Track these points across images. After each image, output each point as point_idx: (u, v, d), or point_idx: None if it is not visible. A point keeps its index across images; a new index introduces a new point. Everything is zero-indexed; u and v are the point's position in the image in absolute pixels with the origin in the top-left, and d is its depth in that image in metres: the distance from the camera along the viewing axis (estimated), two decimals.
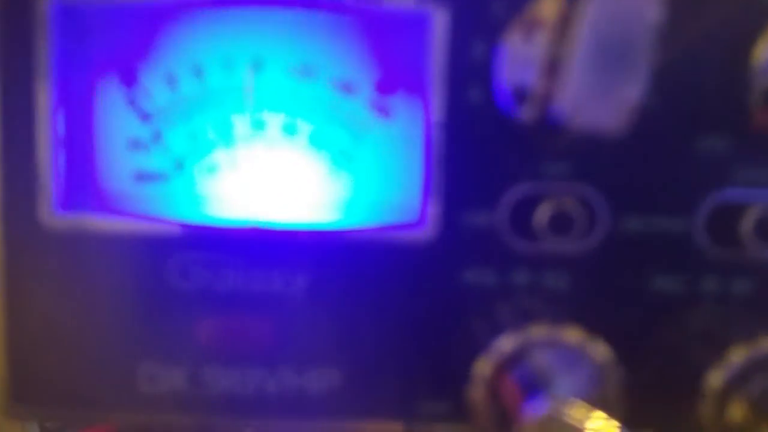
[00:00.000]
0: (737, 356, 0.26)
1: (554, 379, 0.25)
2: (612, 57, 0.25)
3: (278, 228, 0.31)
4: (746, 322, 0.28)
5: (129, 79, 0.32)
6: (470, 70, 0.29)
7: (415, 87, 0.31)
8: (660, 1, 0.24)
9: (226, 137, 0.32)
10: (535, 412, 0.24)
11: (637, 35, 0.24)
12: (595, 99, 0.25)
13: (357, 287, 0.31)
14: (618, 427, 0.24)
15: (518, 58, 0.28)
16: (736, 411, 0.26)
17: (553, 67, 0.26)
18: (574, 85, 0.25)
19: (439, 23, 0.29)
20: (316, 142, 0.32)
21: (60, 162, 0.30)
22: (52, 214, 0.30)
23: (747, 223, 0.29)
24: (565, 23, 0.26)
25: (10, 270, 0.30)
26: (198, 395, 0.31)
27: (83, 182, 0.32)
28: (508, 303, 0.30)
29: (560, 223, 0.29)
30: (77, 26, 0.31)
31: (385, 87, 0.32)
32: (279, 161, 0.33)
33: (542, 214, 0.29)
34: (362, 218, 0.32)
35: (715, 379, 0.26)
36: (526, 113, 0.28)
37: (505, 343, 0.27)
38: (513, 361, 0.26)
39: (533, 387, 0.25)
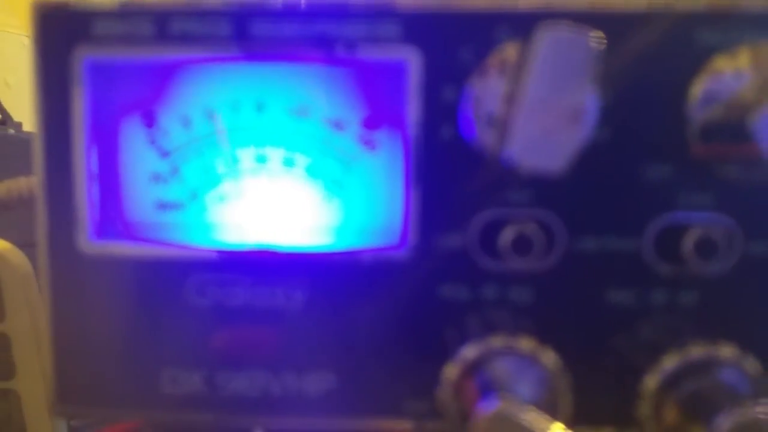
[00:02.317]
0: (670, 362, 0.31)
1: (508, 383, 0.30)
2: (553, 104, 0.30)
3: (279, 250, 0.36)
4: (684, 331, 0.32)
5: (149, 121, 0.38)
6: (442, 110, 0.35)
7: (396, 124, 0.37)
8: (591, 80, 0.29)
9: (234, 170, 0.38)
10: (486, 410, 0.29)
11: (570, 110, 0.29)
12: (538, 144, 0.30)
13: (347, 301, 0.36)
14: None
15: (482, 100, 0.33)
16: (669, 412, 0.31)
17: (508, 112, 0.31)
18: (521, 133, 0.30)
19: (415, 69, 0.35)
20: (312, 172, 0.38)
21: (94, 195, 0.37)
22: (88, 242, 0.36)
23: (688, 243, 0.33)
24: (518, 72, 0.31)
25: (54, 291, 0.37)
26: (212, 396, 0.37)
27: (113, 213, 0.38)
28: (477, 315, 0.35)
29: (522, 244, 0.34)
30: (105, 77, 0.37)
31: (371, 123, 0.37)
32: (280, 190, 0.38)
33: (506, 236, 0.34)
34: (351, 241, 0.37)
35: (652, 382, 0.31)
36: (489, 149, 0.33)
37: (470, 351, 0.32)
38: (475, 367, 0.32)
39: (489, 389, 0.30)
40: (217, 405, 0.37)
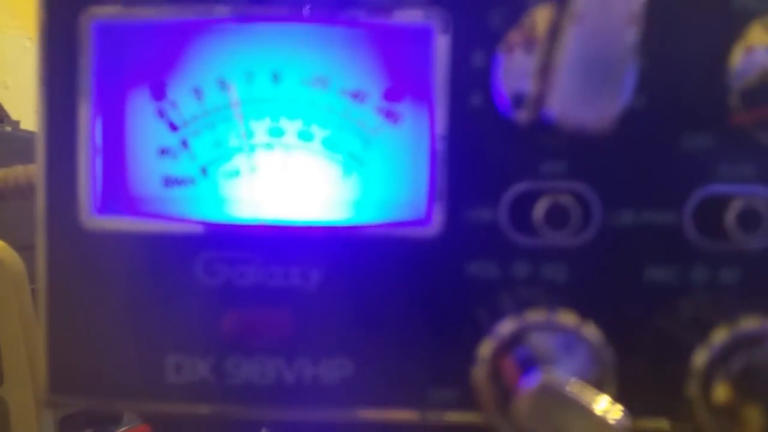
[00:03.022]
0: (719, 337, 0.29)
1: (551, 359, 0.29)
2: (594, 71, 0.28)
3: (294, 226, 0.35)
4: (731, 307, 0.31)
5: (159, 93, 0.36)
6: (471, 78, 0.33)
7: (421, 94, 0.35)
8: (638, 22, 0.28)
9: (248, 144, 0.36)
10: (530, 384, 0.27)
11: (617, 54, 0.28)
12: (580, 105, 0.29)
13: (368, 281, 0.34)
14: (622, 410, 0.27)
15: (514, 66, 0.32)
16: (721, 390, 0.29)
17: (544, 73, 0.30)
18: (562, 91, 0.29)
19: (441, 34, 0.33)
20: (330, 146, 0.36)
21: (97, 169, 0.35)
22: (90, 217, 0.34)
23: (731, 216, 0.32)
24: (554, 33, 0.30)
25: (52, 268, 0.34)
26: (221, 385, 0.35)
27: (117, 187, 0.36)
28: (509, 293, 0.33)
29: (557, 219, 0.33)
30: (114, 42, 0.35)
31: (393, 95, 0.36)
32: (296, 165, 0.36)
33: (540, 208, 0.33)
34: (372, 217, 0.36)
35: (700, 359, 0.29)
36: (522, 116, 0.32)
37: (505, 327, 0.30)
38: (512, 343, 0.30)
39: (530, 364, 0.28)
40: (226, 395, 0.35)
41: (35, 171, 0.38)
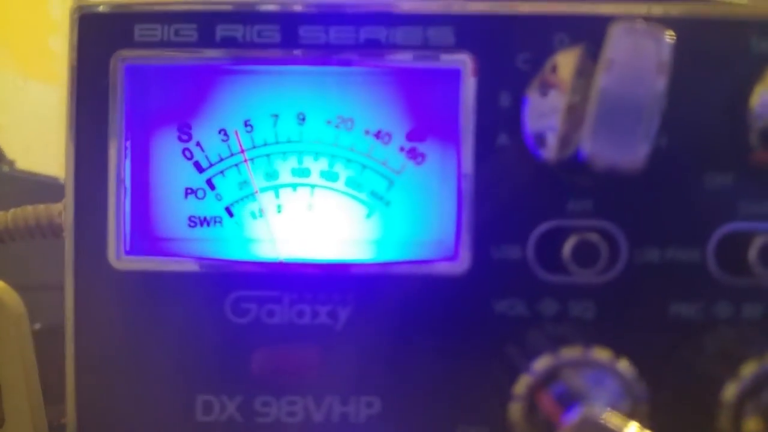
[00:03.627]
0: (749, 371, 0.30)
1: (588, 393, 0.29)
2: (625, 115, 0.30)
3: (321, 265, 0.35)
4: (757, 341, 0.32)
5: (186, 135, 0.37)
6: (498, 118, 0.34)
7: (447, 134, 0.36)
8: (667, 71, 0.29)
9: (273, 184, 0.37)
10: (573, 419, 0.28)
11: (647, 100, 0.29)
12: (611, 146, 0.30)
13: (395, 319, 0.35)
14: None
15: (540, 107, 0.33)
16: (751, 422, 0.30)
17: (571, 114, 0.31)
18: (594, 132, 0.30)
19: (468, 76, 0.34)
20: (354, 185, 0.37)
21: (126, 210, 0.35)
22: (120, 258, 0.34)
23: (753, 252, 0.33)
24: (582, 75, 0.31)
25: (80, 308, 0.34)
26: (250, 424, 0.35)
27: (144, 228, 0.36)
28: (538, 330, 0.34)
29: (584, 256, 0.34)
30: (140, 84, 0.36)
31: (416, 135, 0.37)
32: (320, 204, 0.37)
33: (569, 246, 0.34)
34: (398, 255, 0.36)
35: (730, 392, 0.30)
36: (548, 155, 0.33)
37: (541, 364, 0.31)
38: (548, 379, 0.30)
39: (569, 400, 0.29)
40: None
41: (43, 212, 0.39)
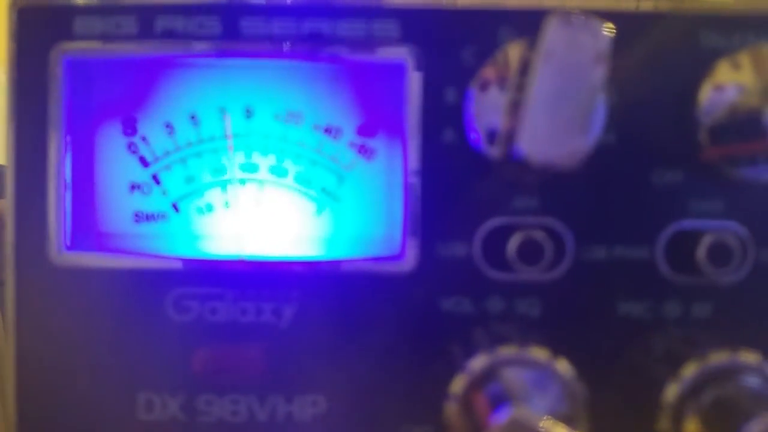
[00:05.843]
0: (690, 371, 0.31)
1: (523, 395, 0.30)
2: (562, 109, 0.30)
3: (266, 262, 0.35)
4: (701, 341, 0.32)
5: (130, 129, 0.37)
6: (443, 114, 0.35)
7: (395, 130, 0.37)
8: (605, 61, 0.30)
9: (220, 179, 0.38)
10: (500, 420, 0.28)
11: (585, 92, 0.29)
12: (549, 142, 0.30)
13: (341, 317, 0.35)
14: None
15: (486, 102, 0.33)
16: (691, 423, 0.30)
17: (514, 109, 0.32)
18: (531, 128, 0.30)
19: (413, 71, 0.35)
20: (303, 181, 0.38)
21: (67, 204, 0.35)
22: (60, 253, 0.35)
23: (702, 251, 0.34)
24: (525, 70, 0.31)
25: (21, 304, 0.35)
26: (192, 423, 0.35)
27: (87, 223, 0.37)
28: (483, 328, 0.34)
29: (530, 254, 0.34)
30: (82, 78, 0.36)
31: (366, 130, 0.37)
32: (269, 200, 0.38)
33: (514, 243, 0.34)
34: (346, 252, 0.37)
35: (671, 393, 0.31)
36: (494, 152, 0.33)
37: (477, 363, 0.31)
38: (485, 379, 0.31)
39: (501, 401, 0.29)
40: None
41: (4, 205, 0.39)
